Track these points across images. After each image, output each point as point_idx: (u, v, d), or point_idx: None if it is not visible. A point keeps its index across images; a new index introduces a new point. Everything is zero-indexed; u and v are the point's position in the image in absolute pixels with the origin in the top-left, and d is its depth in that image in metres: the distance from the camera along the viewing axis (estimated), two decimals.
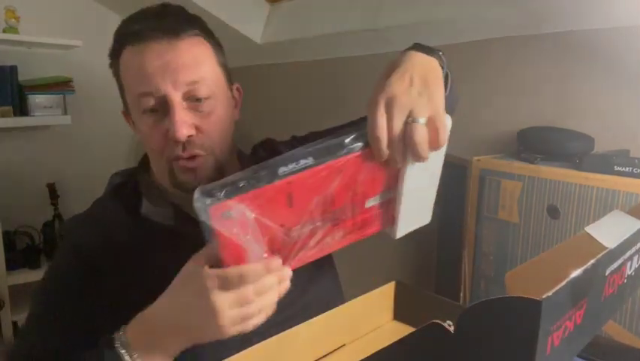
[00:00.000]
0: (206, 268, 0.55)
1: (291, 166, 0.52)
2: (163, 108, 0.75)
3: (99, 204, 0.87)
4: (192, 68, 0.75)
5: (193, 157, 0.77)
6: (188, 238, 0.74)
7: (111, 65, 0.84)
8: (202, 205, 0.49)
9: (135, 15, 0.80)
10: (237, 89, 0.90)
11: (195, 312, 0.57)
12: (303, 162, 0.52)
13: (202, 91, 0.76)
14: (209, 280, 0.54)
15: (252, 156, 0.97)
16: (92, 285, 0.77)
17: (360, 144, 0.56)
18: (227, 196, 0.49)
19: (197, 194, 0.49)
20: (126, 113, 0.86)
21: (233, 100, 0.87)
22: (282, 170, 0.51)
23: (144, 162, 0.90)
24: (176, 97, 0.74)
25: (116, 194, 0.87)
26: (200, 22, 0.81)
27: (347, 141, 0.55)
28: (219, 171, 0.81)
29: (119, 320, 0.66)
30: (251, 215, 0.51)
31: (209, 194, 0.49)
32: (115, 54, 0.81)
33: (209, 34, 0.82)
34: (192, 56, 0.76)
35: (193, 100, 0.76)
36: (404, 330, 0.83)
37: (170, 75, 0.74)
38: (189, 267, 0.59)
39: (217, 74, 0.81)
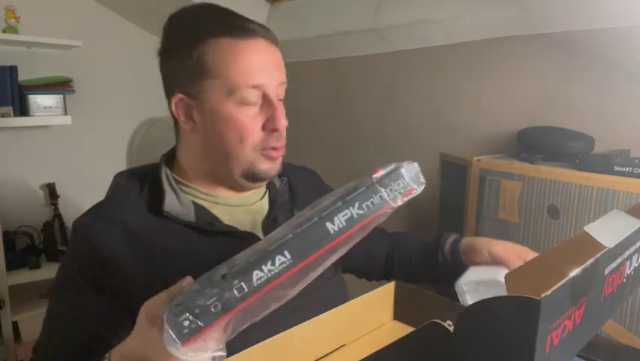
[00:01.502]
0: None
1: (267, 268, 0.47)
2: (263, 102, 0.83)
3: (114, 201, 0.87)
4: (283, 70, 0.86)
5: (278, 148, 0.86)
6: (207, 234, 0.82)
7: (180, 51, 0.82)
8: (172, 340, 0.46)
9: (213, 7, 0.86)
10: None
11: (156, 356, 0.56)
12: (279, 260, 0.47)
13: (284, 91, 0.87)
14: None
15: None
16: (110, 285, 0.78)
17: (345, 224, 0.50)
18: (194, 333, 0.46)
19: (166, 322, 0.46)
20: (183, 98, 0.84)
21: None
22: (256, 276, 0.46)
23: (169, 158, 0.93)
24: (277, 94, 0.84)
25: (133, 191, 0.87)
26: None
27: (332, 229, 0.49)
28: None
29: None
30: (215, 351, 0.48)
31: (178, 327, 0.46)
32: (196, 40, 0.81)
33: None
34: (281, 60, 0.87)
35: (279, 99, 0.86)
36: (404, 330, 0.83)
37: (274, 73, 0.83)
38: (145, 321, 0.56)
39: None
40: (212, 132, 0.84)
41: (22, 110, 2.22)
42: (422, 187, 0.54)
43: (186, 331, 0.45)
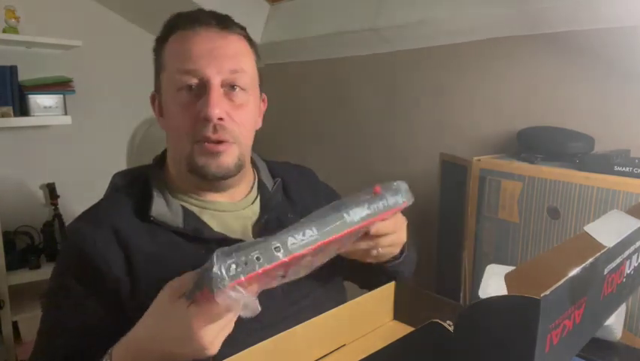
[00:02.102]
0: (191, 307, 0.56)
1: (299, 238, 0.55)
2: (199, 90, 0.79)
3: (105, 205, 0.86)
4: (236, 58, 0.81)
5: (220, 142, 0.80)
6: (194, 240, 0.80)
7: (155, 50, 0.87)
8: (219, 278, 0.50)
9: (189, 11, 0.86)
10: (264, 99, 0.94)
11: (182, 345, 0.58)
12: (308, 233, 0.56)
13: (240, 81, 0.81)
14: (195, 319, 0.56)
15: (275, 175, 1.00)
16: (101, 289, 0.77)
17: (358, 218, 0.63)
18: (243, 274, 0.51)
19: (216, 263, 0.51)
20: (154, 96, 0.89)
21: (259, 107, 0.92)
22: (291, 242, 0.54)
23: (160, 160, 0.91)
24: (216, 80, 0.79)
25: (124, 194, 0.86)
26: (245, 29, 0.88)
27: (347, 217, 0.62)
28: (238, 166, 0.84)
29: (129, 321, 0.67)
30: (252, 298, 0.53)
31: (227, 267, 0.51)
32: (162, 39, 0.85)
33: (251, 41, 0.89)
34: (238, 49, 0.83)
35: (229, 87, 0.81)
36: (404, 330, 0.83)
37: (215, 60, 0.79)
38: (168, 301, 0.59)
39: (254, 74, 0.87)
40: (166, 123, 0.86)
41: (22, 110, 2.22)
42: (411, 201, 0.73)
43: (233, 273, 0.50)
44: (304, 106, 2.50)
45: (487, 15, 1.68)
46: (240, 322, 0.59)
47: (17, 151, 2.40)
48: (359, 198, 0.66)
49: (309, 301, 0.87)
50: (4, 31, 2.15)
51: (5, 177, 2.37)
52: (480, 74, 1.83)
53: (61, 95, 2.32)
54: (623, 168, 1.20)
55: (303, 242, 0.55)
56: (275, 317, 0.78)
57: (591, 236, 0.50)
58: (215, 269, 0.50)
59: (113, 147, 2.70)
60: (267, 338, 0.64)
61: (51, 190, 2.46)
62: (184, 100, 0.80)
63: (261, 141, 1.02)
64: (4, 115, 2.14)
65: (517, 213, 1.39)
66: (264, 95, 0.94)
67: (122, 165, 2.68)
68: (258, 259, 0.52)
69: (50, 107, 2.27)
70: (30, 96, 2.22)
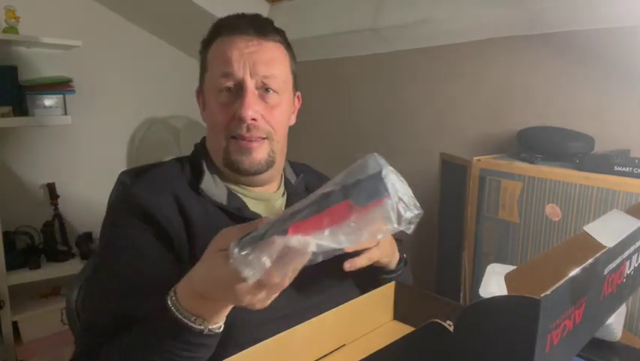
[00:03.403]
0: (229, 263, 0.57)
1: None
2: (237, 91, 0.87)
3: (161, 176, 0.91)
4: (270, 64, 0.88)
5: (252, 140, 0.87)
6: (234, 218, 0.87)
7: (201, 52, 0.95)
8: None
9: (233, 15, 0.94)
10: (298, 97, 1.03)
11: (221, 292, 0.60)
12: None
13: (273, 84, 0.88)
14: (230, 277, 0.57)
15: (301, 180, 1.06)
16: (163, 245, 0.81)
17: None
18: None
19: (234, 250, 0.53)
20: (199, 93, 0.97)
21: (293, 106, 1.00)
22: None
23: (202, 145, 0.97)
24: (251, 84, 0.86)
25: (177, 169, 0.93)
26: (283, 33, 0.95)
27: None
28: (269, 162, 0.91)
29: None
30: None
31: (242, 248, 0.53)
32: (207, 42, 0.93)
33: (288, 46, 0.96)
34: (272, 56, 0.90)
35: (263, 90, 0.88)
36: (404, 330, 0.83)
37: (250, 65, 0.86)
38: (213, 252, 0.61)
39: (288, 77, 0.94)
40: (207, 117, 0.93)
41: (22, 110, 2.22)
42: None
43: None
44: (304, 106, 2.49)
45: (487, 15, 1.68)
46: (257, 311, 0.60)
47: (17, 151, 2.40)
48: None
49: (324, 296, 0.89)
50: (4, 31, 2.15)
51: (5, 177, 2.37)
52: (480, 74, 1.83)
53: (61, 95, 2.31)
54: (623, 168, 1.20)
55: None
56: (293, 309, 0.81)
57: (591, 236, 0.50)
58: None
59: (113, 147, 2.70)
60: (285, 328, 0.66)
61: (51, 190, 2.46)
62: (223, 100, 0.88)
63: None
64: (4, 115, 2.13)
65: (517, 213, 1.39)
66: (298, 93, 1.03)
67: (122, 165, 2.68)
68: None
69: (50, 107, 2.27)
70: (30, 96, 2.22)
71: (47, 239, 2.36)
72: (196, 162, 0.94)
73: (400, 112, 2.14)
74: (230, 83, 0.87)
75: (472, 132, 1.86)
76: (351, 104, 2.34)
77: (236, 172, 0.90)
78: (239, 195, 0.93)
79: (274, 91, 0.89)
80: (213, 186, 0.90)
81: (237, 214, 0.88)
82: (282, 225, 0.54)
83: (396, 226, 0.54)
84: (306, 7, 2.31)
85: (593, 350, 0.81)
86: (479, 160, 1.48)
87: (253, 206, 0.92)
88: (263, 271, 0.52)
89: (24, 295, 2.28)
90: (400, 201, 0.55)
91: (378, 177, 0.57)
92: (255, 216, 0.89)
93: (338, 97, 2.39)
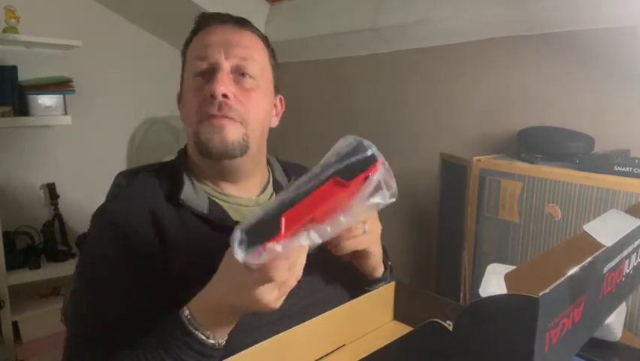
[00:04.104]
0: (244, 266, 0.58)
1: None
2: (210, 74, 0.84)
3: (137, 188, 0.89)
4: (246, 48, 0.86)
5: (222, 117, 0.83)
6: (217, 227, 0.84)
7: (182, 53, 0.93)
8: (241, 256, 0.54)
9: (213, 12, 0.93)
10: (281, 99, 0.99)
11: (243, 300, 0.62)
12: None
13: (249, 68, 0.85)
14: (249, 278, 0.59)
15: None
16: (140, 263, 0.80)
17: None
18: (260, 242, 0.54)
19: (236, 244, 0.54)
20: (180, 95, 0.95)
21: (274, 108, 0.97)
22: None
23: (183, 152, 0.95)
24: (225, 64, 0.84)
25: (155, 178, 0.90)
26: (261, 33, 0.94)
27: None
28: (242, 146, 0.86)
29: (163, 296, 0.73)
30: (277, 247, 0.55)
31: (246, 243, 0.54)
32: (188, 42, 0.92)
33: (269, 45, 0.95)
34: (251, 42, 0.88)
35: (239, 74, 0.85)
36: (404, 330, 0.83)
37: (225, 48, 0.85)
38: (230, 260, 0.63)
39: (266, 67, 0.91)
40: (183, 112, 0.92)
41: (22, 110, 2.22)
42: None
43: (250, 248, 0.53)
44: (304, 106, 2.50)
45: (487, 15, 1.68)
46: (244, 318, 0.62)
47: (17, 151, 2.40)
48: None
49: (322, 295, 0.89)
50: (4, 31, 2.15)
51: (5, 177, 2.37)
52: (480, 74, 1.83)
53: (61, 95, 2.32)
54: (623, 168, 1.20)
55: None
56: (293, 309, 0.80)
57: (590, 235, 0.50)
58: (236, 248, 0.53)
59: (113, 147, 2.70)
60: (285, 328, 0.66)
61: (51, 190, 2.46)
62: (196, 84, 0.86)
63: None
64: (4, 115, 2.14)
65: (517, 213, 1.39)
66: (280, 97, 0.99)
67: (122, 165, 2.69)
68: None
69: (50, 107, 2.27)
70: (30, 96, 2.22)
71: (47, 239, 2.36)
72: (176, 171, 0.90)
73: (400, 112, 2.14)
74: (204, 66, 0.85)
75: (472, 132, 1.86)
76: (351, 104, 2.34)
77: (208, 156, 0.85)
78: (219, 202, 0.89)
79: (250, 76, 0.86)
80: (194, 196, 0.87)
81: (219, 224, 0.85)
82: (272, 219, 0.54)
83: (387, 193, 0.55)
84: (306, 7, 2.31)
85: (593, 350, 0.81)
86: (479, 160, 1.48)
87: (236, 214, 0.89)
88: (274, 254, 0.54)
89: (24, 295, 2.28)
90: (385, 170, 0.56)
91: (361, 149, 0.58)
92: (234, 225, 0.86)
93: (338, 97, 2.39)
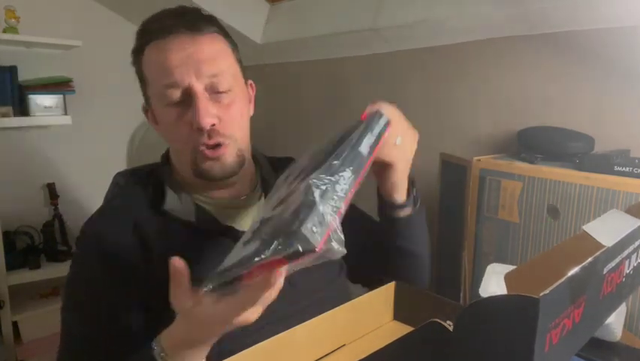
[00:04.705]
0: (221, 303, 0.58)
1: (342, 184, 0.57)
2: (187, 99, 0.79)
3: (121, 201, 0.89)
4: (213, 61, 0.80)
5: (217, 146, 0.81)
6: (206, 234, 0.83)
7: (134, 63, 0.87)
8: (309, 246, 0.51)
9: (156, 14, 0.85)
10: (251, 85, 0.94)
11: (223, 331, 0.62)
12: (346, 175, 0.58)
13: (223, 84, 0.81)
14: (231, 310, 0.58)
15: (273, 171, 1.00)
16: (125, 283, 0.80)
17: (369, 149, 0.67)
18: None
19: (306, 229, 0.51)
20: (146, 108, 0.90)
21: (248, 95, 0.92)
22: (340, 190, 0.56)
23: (166, 158, 0.93)
24: (199, 87, 0.79)
25: (139, 189, 0.89)
26: (216, 21, 0.86)
27: (363, 151, 0.64)
28: (240, 161, 0.86)
29: (152, 311, 0.73)
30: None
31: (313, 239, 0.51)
32: (138, 51, 0.85)
33: (225, 33, 0.87)
34: (213, 51, 0.81)
35: (214, 92, 0.81)
36: (404, 330, 0.83)
37: (193, 67, 0.78)
38: (191, 307, 0.61)
39: (235, 69, 0.86)
40: (164, 133, 0.87)
41: (22, 110, 2.23)
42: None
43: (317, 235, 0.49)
44: (304, 106, 2.50)
45: (487, 15, 1.68)
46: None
47: (17, 151, 2.40)
48: (358, 131, 0.68)
49: (322, 295, 0.89)
50: (4, 31, 2.15)
51: (5, 177, 2.37)
52: (480, 73, 1.83)
53: (61, 95, 2.32)
54: (623, 168, 1.20)
55: (346, 185, 0.56)
56: (292, 309, 0.81)
57: (590, 235, 0.50)
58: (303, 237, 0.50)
59: (113, 147, 2.70)
60: (285, 328, 0.66)
61: (51, 190, 2.46)
62: (174, 114, 0.81)
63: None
64: (4, 115, 2.14)
65: (517, 213, 1.39)
66: (250, 82, 0.94)
67: (122, 165, 2.68)
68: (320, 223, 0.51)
69: (50, 107, 2.28)
70: (30, 96, 2.23)
71: (47, 239, 2.36)
72: (159, 181, 0.89)
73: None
74: (177, 94, 0.79)
75: (472, 132, 1.86)
76: (351, 104, 2.34)
77: (210, 180, 0.85)
78: (207, 207, 0.88)
79: (225, 91, 0.82)
80: (179, 205, 0.85)
81: (207, 229, 0.84)
82: (242, 265, 0.53)
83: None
84: (306, 7, 2.31)
85: (593, 350, 0.81)
86: (479, 160, 1.48)
87: (225, 218, 0.88)
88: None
89: (24, 295, 2.28)
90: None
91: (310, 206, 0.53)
92: (229, 230, 0.86)
93: (338, 97, 2.39)
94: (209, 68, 0.79)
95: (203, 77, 0.79)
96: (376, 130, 0.72)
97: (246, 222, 0.89)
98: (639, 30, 1.40)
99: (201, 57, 0.79)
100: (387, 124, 0.78)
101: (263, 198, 0.94)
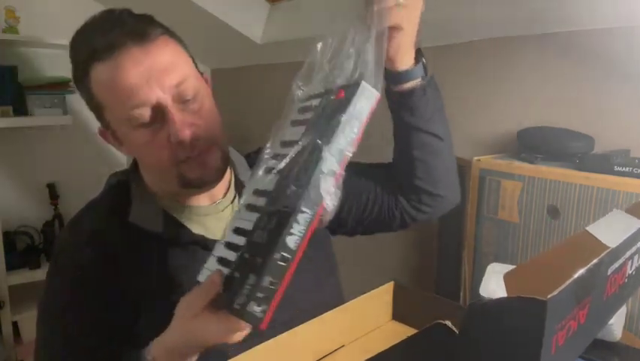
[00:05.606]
0: (221, 316, 0.58)
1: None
2: (158, 116, 0.74)
3: (88, 213, 0.87)
4: (174, 68, 0.75)
5: (201, 153, 0.78)
6: (174, 244, 0.81)
7: (78, 88, 0.79)
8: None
9: (84, 29, 0.78)
10: (206, 79, 0.88)
11: (202, 341, 0.61)
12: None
13: (189, 90, 0.75)
14: (229, 325, 0.58)
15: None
16: (96, 296, 0.78)
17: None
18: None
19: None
20: (105, 131, 0.83)
21: (209, 89, 0.86)
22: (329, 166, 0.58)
23: (135, 165, 0.90)
24: (168, 100, 0.73)
25: (110, 197, 0.87)
26: (154, 19, 0.80)
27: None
28: (226, 161, 0.84)
29: (123, 324, 0.73)
30: None
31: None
32: (81, 75, 0.76)
33: (167, 29, 0.80)
34: (169, 57, 0.75)
35: (183, 101, 0.75)
36: (403, 330, 0.83)
37: (155, 81, 0.72)
38: (190, 317, 0.61)
39: (192, 68, 0.81)
40: (133, 153, 0.84)
41: (22, 110, 2.22)
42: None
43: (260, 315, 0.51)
44: None
45: (487, 15, 1.68)
46: None
47: (17, 151, 2.40)
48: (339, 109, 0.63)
49: (322, 295, 0.88)
50: (4, 31, 2.15)
51: (5, 177, 2.37)
52: (480, 73, 1.83)
53: (61, 95, 2.32)
54: (623, 168, 1.20)
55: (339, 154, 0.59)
56: (292, 310, 0.79)
57: (592, 236, 0.50)
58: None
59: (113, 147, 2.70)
60: (285, 329, 0.66)
61: (51, 190, 2.46)
62: (147, 134, 0.75)
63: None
64: (4, 115, 2.14)
65: (517, 213, 1.39)
66: (205, 75, 0.87)
67: (122, 165, 2.68)
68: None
69: (50, 107, 2.27)
70: (30, 96, 2.23)
71: (47, 239, 2.36)
72: (125, 191, 0.85)
73: None
74: (146, 114, 0.73)
75: (472, 132, 1.86)
76: None
77: (200, 188, 0.82)
78: (176, 215, 0.84)
79: (193, 98, 0.76)
80: (144, 215, 0.82)
81: (175, 239, 0.81)
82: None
83: None
84: (306, 7, 2.31)
85: (593, 350, 0.81)
86: (479, 160, 1.48)
87: (197, 227, 0.85)
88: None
89: (24, 295, 2.28)
90: None
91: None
92: (195, 239, 0.82)
93: None
94: (172, 77, 0.74)
95: (169, 88, 0.73)
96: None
97: (218, 229, 0.85)
98: (639, 30, 1.40)
99: (160, 67, 0.73)
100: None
101: (237, 201, 0.89)
